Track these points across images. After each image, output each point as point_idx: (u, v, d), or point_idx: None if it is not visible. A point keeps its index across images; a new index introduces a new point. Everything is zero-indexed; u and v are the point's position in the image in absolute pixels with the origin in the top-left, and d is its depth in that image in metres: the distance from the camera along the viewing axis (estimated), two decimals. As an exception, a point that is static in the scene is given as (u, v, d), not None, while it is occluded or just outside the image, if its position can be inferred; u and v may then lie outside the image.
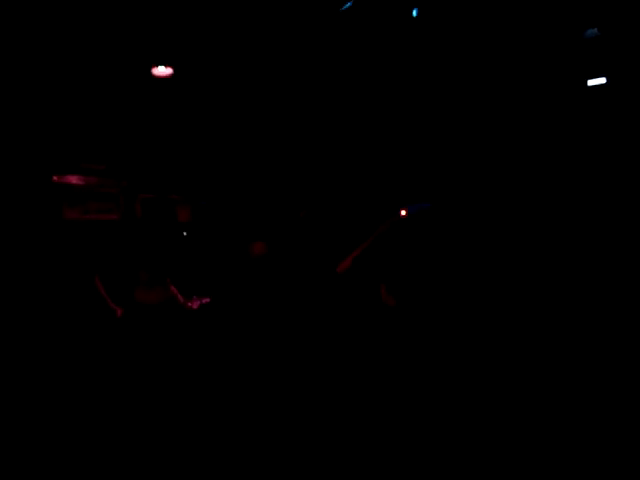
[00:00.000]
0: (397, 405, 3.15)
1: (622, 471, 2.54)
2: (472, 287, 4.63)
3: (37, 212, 4.90)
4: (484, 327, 4.11)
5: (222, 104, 5.23)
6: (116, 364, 3.70)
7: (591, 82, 4.93)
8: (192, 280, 4.42)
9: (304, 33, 4.23)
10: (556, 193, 5.18)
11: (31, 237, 4.80)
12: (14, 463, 2.81)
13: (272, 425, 3.20)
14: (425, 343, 3.32)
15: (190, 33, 4.09)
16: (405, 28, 4.12)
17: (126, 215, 5.38)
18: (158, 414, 3.31)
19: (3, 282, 4.52)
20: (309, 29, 4.18)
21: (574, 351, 4.02)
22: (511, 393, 3.48)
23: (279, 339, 3.66)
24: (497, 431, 3.05)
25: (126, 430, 3.14)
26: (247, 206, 5.70)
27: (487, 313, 4.31)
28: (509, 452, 2.84)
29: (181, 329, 3.96)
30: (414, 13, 3.93)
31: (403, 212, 3.94)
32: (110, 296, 3.89)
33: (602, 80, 4.88)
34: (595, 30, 4.40)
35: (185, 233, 5.63)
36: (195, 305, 4.21)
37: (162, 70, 4.56)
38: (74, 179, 5.14)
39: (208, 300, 4.25)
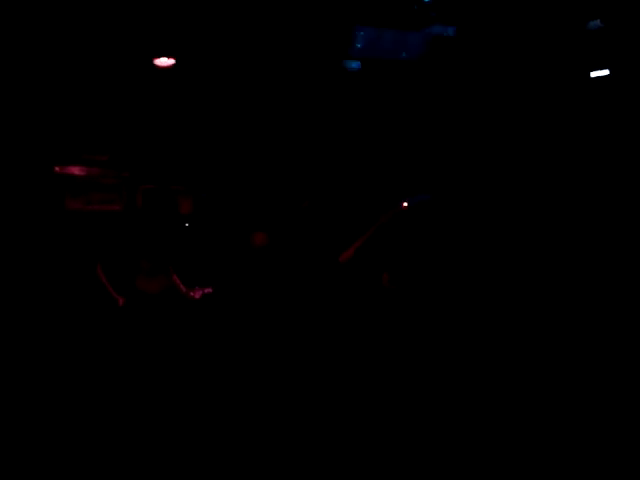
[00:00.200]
0: (399, 391, 3.17)
1: (622, 470, 2.54)
2: (471, 277, 4.64)
3: (39, 203, 4.91)
4: (484, 315, 4.13)
5: (224, 95, 5.22)
6: (118, 353, 3.71)
7: (594, 74, 4.92)
8: (194, 270, 4.43)
9: (307, 23, 4.22)
10: (558, 184, 5.18)
11: (33, 228, 4.82)
12: (15, 451, 2.82)
13: (275, 415, 3.21)
14: (426, 330, 3.34)
15: (192, 24, 4.08)
16: (408, 16, 4.11)
17: (128, 206, 5.39)
18: (159, 404, 3.32)
19: (6, 272, 4.54)
20: (312, 19, 4.17)
21: (568, 335, 4.04)
22: (510, 378, 3.50)
23: (281, 329, 3.68)
24: (497, 416, 3.07)
25: (128, 420, 3.15)
26: (249, 197, 5.71)
27: (487, 302, 4.32)
28: (505, 439, 2.86)
29: (183, 319, 3.97)
30: None
31: (404, 203, 3.95)
32: (112, 285, 3.90)
33: (605, 72, 4.87)
34: (598, 22, 4.38)
35: (187, 224, 5.63)
36: (197, 295, 4.21)
37: (164, 61, 4.55)
38: (76, 170, 5.15)
39: (210, 290, 4.26)
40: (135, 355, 3.66)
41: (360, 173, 5.65)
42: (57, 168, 4.99)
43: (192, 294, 4.15)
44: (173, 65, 4.61)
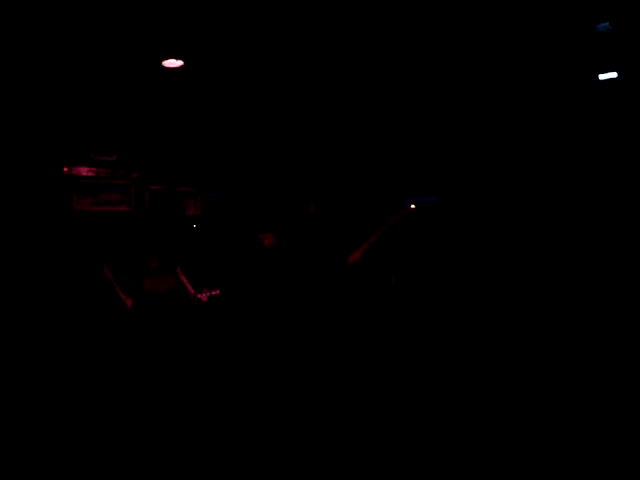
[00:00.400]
0: (407, 392, 3.17)
1: (622, 470, 2.54)
2: (478, 279, 4.64)
3: (47, 203, 4.92)
4: (491, 315, 4.12)
5: (232, 96, 5.23)
6: (126, 353, 3.72)
7: (602, 76, 4.91)
8: (202, 272, 4.43)
9: (313, 25, 4.21)
10: (566, 186, 5.17)
11: (41, 228, 4.83)
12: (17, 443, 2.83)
13: (283, 416, 3.21)
14: (434, 331, 3.34)
15: (200, 26, 4.09)
16: (412, 17, 4.10)
17: (136, 207, 5.39)
18: (167, 404, 3.33)
19: (15, 273, 4.55)
20: (318, 21, 4.17)
21: (573, 339, 4.03)
22: (516, 377, 3.49)
23: (289, 331, 3.68)
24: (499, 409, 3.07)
25: (136, 421, 3.16)
26: (257, 198, 5.71)
27: (494, 303, 4.32)
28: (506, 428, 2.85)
29: (190, 320, 3.97)
30: None
31: (412, 205, 3.95)
32: (120, 286, 3.90)
33: (613, 74, 4.85)
34: (607, 24, 4.36)
35: (195, 225, 5.64)
36: (205, 297, 4.22)
37: (172, 62, 4.56)
38: (84, 170, 5.16)
39: (218, 292, 4.26)
40: (143, 356, 3.67)
41: (369, 175, 5.65)
42: (65, 168, 5.00)
43: (199, 296, 4.16)
44: (181, 66, 4.62)
